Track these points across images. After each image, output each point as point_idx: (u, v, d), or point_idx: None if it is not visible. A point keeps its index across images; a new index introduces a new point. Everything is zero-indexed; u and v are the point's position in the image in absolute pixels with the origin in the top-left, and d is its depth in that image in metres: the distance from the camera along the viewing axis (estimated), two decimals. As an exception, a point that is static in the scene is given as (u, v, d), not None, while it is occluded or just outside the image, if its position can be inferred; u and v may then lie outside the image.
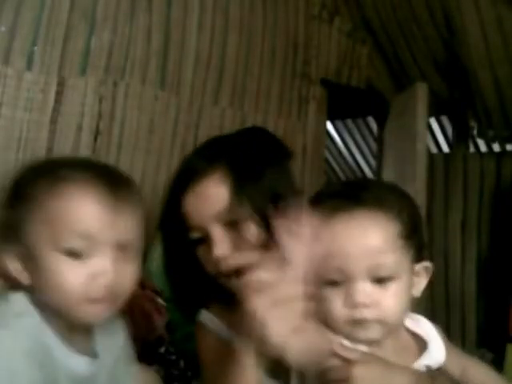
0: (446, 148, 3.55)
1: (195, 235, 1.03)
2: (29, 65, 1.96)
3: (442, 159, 3.05)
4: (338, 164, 4.55)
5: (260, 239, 0.98)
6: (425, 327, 0.98)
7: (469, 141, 3.06)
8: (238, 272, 0.98)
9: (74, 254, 0.78)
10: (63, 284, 0.78)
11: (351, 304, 0.86)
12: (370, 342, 0.88)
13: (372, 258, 0.85)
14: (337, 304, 0.87)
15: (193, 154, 1.08)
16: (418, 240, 0.91)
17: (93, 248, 0.79)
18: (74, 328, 0.84)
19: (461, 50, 2.57)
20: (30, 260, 0.79)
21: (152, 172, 2.24)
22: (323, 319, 0.88)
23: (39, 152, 1.94)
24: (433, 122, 3.41)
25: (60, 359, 0.81)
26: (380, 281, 0.86)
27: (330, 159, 4.47)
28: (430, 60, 2.79)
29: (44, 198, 0.80)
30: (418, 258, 0.92)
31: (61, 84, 2.02)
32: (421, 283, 0.93)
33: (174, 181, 1.06)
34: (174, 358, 1.46)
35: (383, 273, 0.86)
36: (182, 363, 1.47)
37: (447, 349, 0.97)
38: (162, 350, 1.46)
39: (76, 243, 0.78)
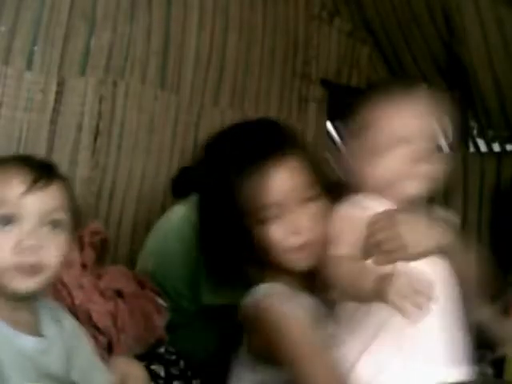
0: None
1: (270, 213, 1.11)
2: (29, 65, 1.96)
3: (441, 159, 3.04)
4: (338, 164, 4.55)
5: (328, 215, 1.10)
6: None
7: (469, 141, 3.05)
8: (308, 246, 1.12)
9: (2, 222, 0.88)
10: None
11: (412, 159, 1.04)
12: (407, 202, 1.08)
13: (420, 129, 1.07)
14: (379, 168, 1.07)
15: (257, 142, 1.18)
16: None
17: (20, 217, 0.88)
18: (16, 309, 0.90)
19: (461, 50, 2.57)
20: None
21: (152, 172, 2.23)
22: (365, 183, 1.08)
23: (39, 152, 1.94)
24: (433, 122, 3.41)
25: (6, 338, 0.86)
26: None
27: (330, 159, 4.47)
28: (430, 60, 2.79)
29: None
30: None
31: (61, 84, 2.02)
32: None
33: (243, 162, 1.15)
34: (174, 357, 1.47)
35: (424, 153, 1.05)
36: (181, 363, 1.47)
37: None
38: (162, 350, 1.46)
39: (5, 211, 0.88)
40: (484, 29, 2.39)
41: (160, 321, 1.45)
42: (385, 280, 0.85)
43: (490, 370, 1.88)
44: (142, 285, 1.50)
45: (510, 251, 2.66)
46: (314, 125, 2.79)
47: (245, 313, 1.17)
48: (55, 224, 0.91)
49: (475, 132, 2.95)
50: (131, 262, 1.85)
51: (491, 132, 2.84)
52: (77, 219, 0.99)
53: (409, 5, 2.63)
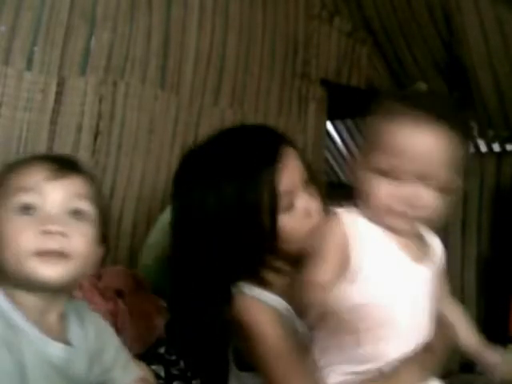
0: (445, 148, 3.54)
1: (284, 202, 1.12)
2: (29, 65, 1.96)
3: (441, 159, 3.04)
4: (338, 164, 4.55)
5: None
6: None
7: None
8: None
9: (25, 210, 0.86)
10: (14, 238, 0.84)
11: (399, 197, 0.95)
12: (399, 230, 1.00)
13: (432, 168, 0.96)
14: (381, 191, 0.96)
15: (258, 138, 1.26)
16: None
17: (42, 204, 0.86)
18: (45, 312, 0.87)
19: (461, 50, 2.57)
20: None
21: (152, 172, 2.24)
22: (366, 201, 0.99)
23: (39, 152, 1.94)
24: (433, 121, 3.41)
25: (32, 344, 0.82)
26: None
27: (330, 159, 4.47)
28: (430, 60, 2.79)
29: (6, 175, 0.91)
30: None
31: (61, 84, 2.02)
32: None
33: (251, 161, 1.16)
34: (173, 358, 1.47)
35: (440, 184, 0.98)
36: (181, 363, 1.47)
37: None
38: (162, 350, 1.46)
39: (27, 198, 0.86)
40: (484, 29, 2.39)
41: (160, 321, 1.45)
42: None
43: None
44: (141, 285, 1.50)
45: (510, 251, 2.67)
46: (314, 125, 2.80)
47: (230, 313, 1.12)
48: (79, 214, 0.89)
49: (475, 132, 2.95)
50: (131, 262, 1.85)
51: (491, 132, 2.84)
52: (105, 218, 0.97)
53: (409, 5, 2.63)
